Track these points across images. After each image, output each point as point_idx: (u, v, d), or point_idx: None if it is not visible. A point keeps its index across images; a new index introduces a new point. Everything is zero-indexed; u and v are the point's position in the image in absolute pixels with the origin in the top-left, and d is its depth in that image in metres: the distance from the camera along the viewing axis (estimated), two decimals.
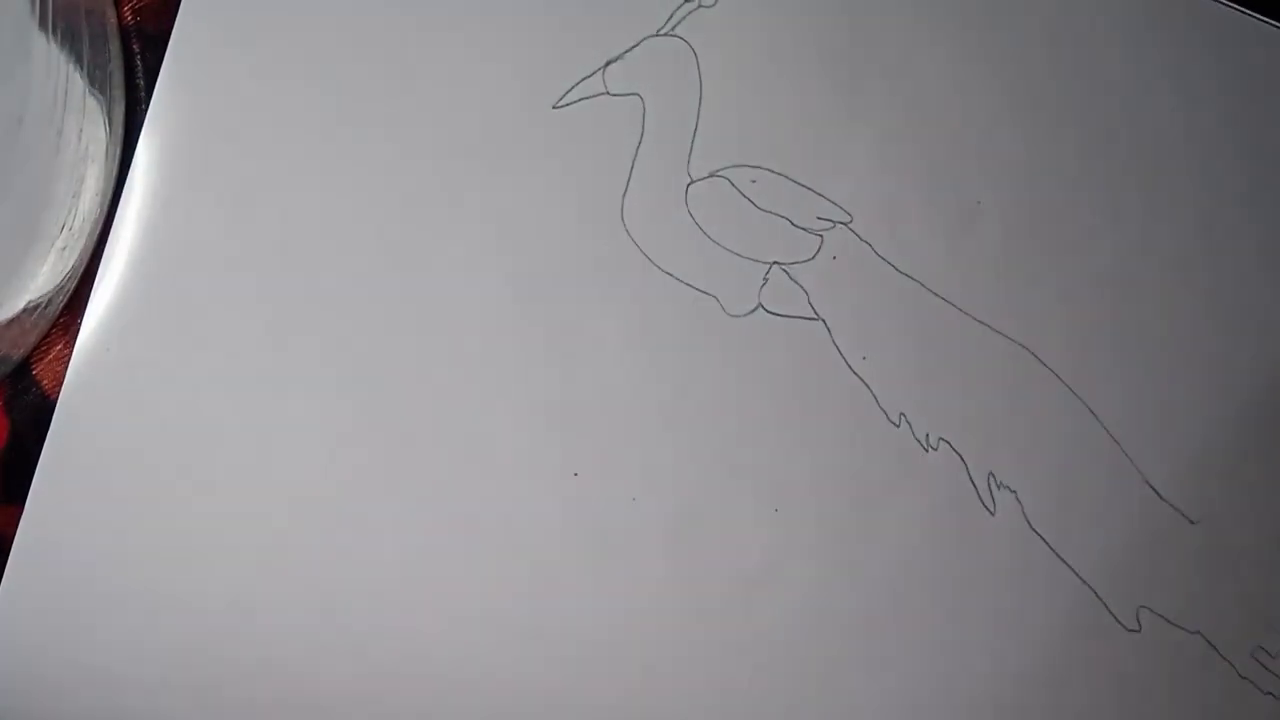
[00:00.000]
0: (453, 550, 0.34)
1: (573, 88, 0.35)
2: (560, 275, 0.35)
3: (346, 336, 0.34)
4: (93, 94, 0.33)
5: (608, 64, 0.36)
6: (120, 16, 0.34)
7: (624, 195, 0.36)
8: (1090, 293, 0.39)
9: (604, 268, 0.35)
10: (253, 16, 0.34)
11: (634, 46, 0.36)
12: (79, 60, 0.32)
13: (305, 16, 0.34)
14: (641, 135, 0.36)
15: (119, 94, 0.34)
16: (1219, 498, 0.39)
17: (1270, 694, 0.39)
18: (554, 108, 0.35)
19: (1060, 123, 0.39)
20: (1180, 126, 0.40)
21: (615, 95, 0.36)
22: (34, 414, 0.34)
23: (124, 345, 0.34)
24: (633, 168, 0.36)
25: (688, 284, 0.36)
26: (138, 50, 0.34)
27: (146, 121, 0.34)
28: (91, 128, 0.33)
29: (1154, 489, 0.39)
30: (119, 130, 0.34)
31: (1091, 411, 0.39)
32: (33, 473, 0.33)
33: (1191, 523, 0.39)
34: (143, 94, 0.34)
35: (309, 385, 0.34)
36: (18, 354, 0.33)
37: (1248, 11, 0.41)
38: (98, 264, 0.34)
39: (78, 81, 0.32)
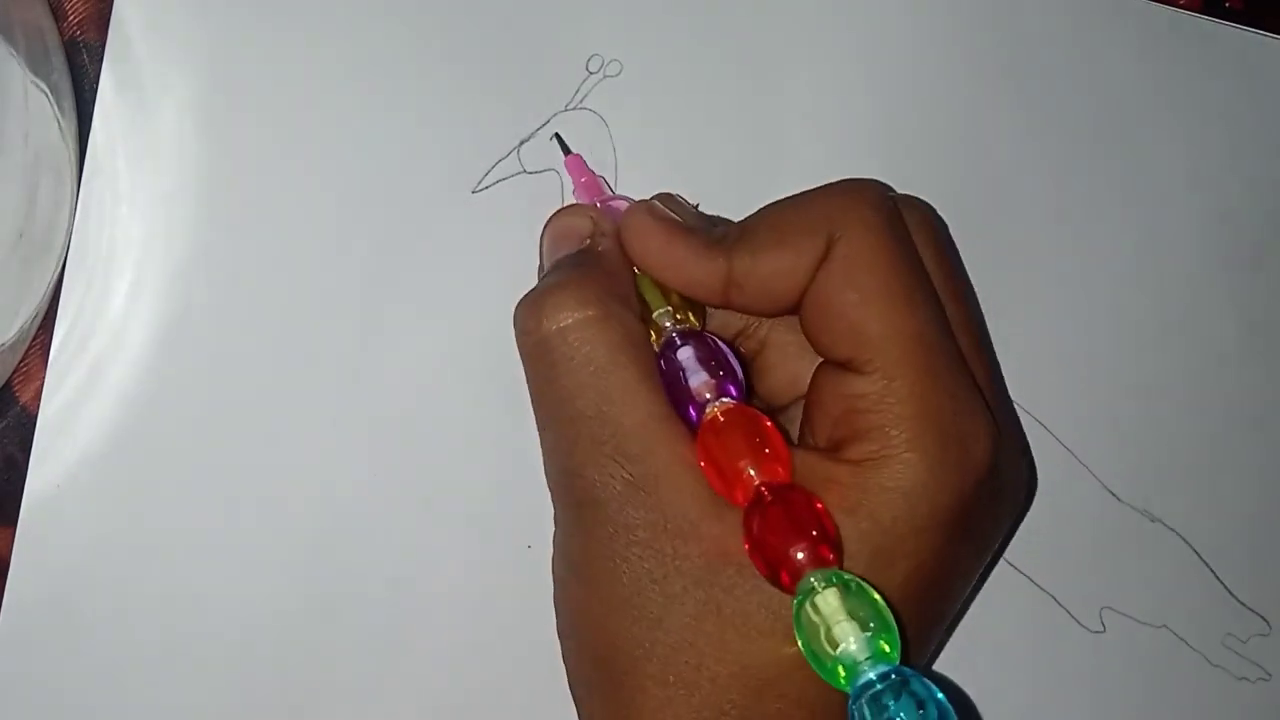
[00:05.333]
0: (414, 629, 0.36)
1: (489, 170, 0.36)
2: (498, 354, 0.36)
3: (293, 402, 0.35)
4: (35, 100, 0.33)
5: (521, 144, 0.36)
6: (62, 30, 0.34)
7: None
8: (1030, 307, 0.39)
9: None
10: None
11: (545, 124, 0.36)
12: (16, 68, 0.32)
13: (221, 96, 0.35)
14: None
15: (69, 104, 0.34)
16: (1179, 494, 0.40)
17: (1244, 679, 0.40)
18: (473, 192, 0.36)
19: (983, 144, 0.39)
20: (1108, 136, 0.40)
21: (532, 173, 0.36)
22: (20, 434, 0.34)
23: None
24: None
25: None
26: (87, 63, 0.35)
27: (92, 131, 0.34)
28: (39, 134, 0.33)
29: (1113, 493, 0.39)
30: (73, 144, 0.34)
31: (1043, 425, 0.39)
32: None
33: (1152, 521, 0.40)
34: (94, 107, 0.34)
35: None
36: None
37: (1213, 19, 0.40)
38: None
39: (16, 85, 0.32)
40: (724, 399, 0.29)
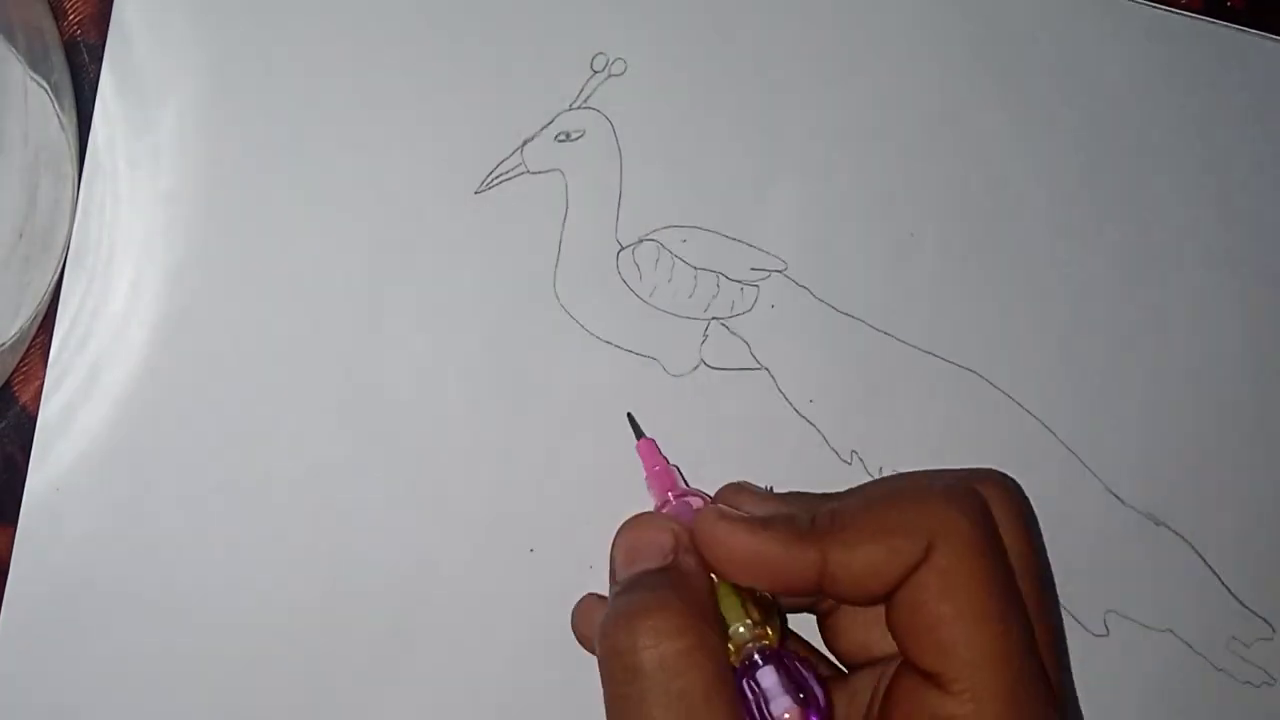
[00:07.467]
0: (415, 630, 0.36)
1: (492, 171, 0.36)
2: (500, 356, 0.36)
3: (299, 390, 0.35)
4: (36, 99, 0.33)
5: (524, 143, 0.36)
6: (62, 30, 0.34)
7: (555, 269, 0.36)
8: (1031, 309, 0.39)
9: (542, 344, 0.36)
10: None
11: (549, 123, 0.36)
12: (16, 67, 0.32)
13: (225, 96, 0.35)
14: (566, 209, 0.36)
15: (69, 104, 0.34)
16: (1183, 497, 0.40)
17: (1248, 683, 0.40)
18: (476, 193, 0.36)
19: (986, 145, 0.39)
20: (1110, 138, 0.39)
21: (536, 173, 0.36)
22: (20, 434, 0.34)
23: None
24: (561, 241, 0.36)
25: (628, 350, 0.36)
26: (87, 62, 0.34)
27: (92, 131, 0.34)
28: (39, 133, 0.33)
29: (1117, 496, 0.39)
30: (74, 143, 0.34)
31: (1046, 426, 0.39)
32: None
33: (1156, 524, 0.39)
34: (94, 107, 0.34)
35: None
36: None
37: (1200, 17, 0.40)
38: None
39: (16, 84, 0.32)
40: None
